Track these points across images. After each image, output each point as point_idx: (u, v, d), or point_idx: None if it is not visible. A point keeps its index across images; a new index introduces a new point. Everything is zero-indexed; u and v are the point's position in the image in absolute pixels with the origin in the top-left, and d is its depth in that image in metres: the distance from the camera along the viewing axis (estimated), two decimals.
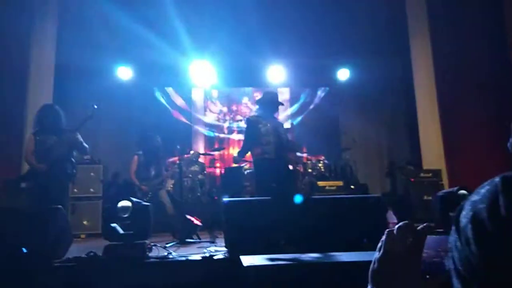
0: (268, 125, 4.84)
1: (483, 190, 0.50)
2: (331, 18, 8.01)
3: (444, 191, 4.94)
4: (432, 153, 7.26)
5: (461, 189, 4.33)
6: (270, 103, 5.01)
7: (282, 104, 5.71)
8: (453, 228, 0.52)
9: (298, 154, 8.17)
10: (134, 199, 3.86)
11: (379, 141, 9.51)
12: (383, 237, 0.71)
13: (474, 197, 0.51)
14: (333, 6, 7.82)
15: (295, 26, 8.09)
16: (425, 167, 7.16)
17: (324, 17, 8.01)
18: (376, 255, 0.71)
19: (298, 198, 3.93)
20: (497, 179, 0.50)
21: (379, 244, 0.72)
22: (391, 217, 5.43)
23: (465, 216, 0.49)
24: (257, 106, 5.18)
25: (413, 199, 6.43)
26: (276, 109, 5.12)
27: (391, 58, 8.72)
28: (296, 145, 5.29)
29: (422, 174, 6.68)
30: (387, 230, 0.71)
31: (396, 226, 0.71)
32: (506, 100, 6.75)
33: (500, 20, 6.86)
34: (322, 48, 8.47)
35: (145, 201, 4.66)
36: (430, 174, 6.65)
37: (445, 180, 6.83)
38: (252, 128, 4.89)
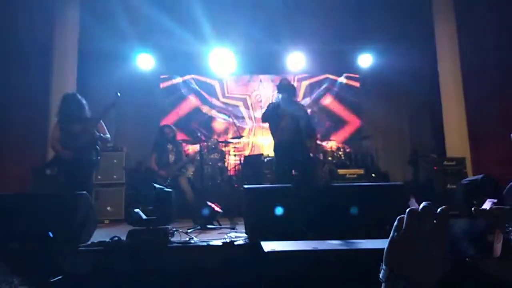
0: (287, 110, 4.95)
1: None
2: (352, 3, 7.85)
3: (468, 179, 4.83)
4: (456, 141, 7.10)
5: (486, 177, 4.22)
6: (287, 88, 5.14)
7: (296, 89, 5.80)
8: None
9: (318, 142, 8.12)
10: (155, 185, 3.91)
11: (401, 129, 9.35)
12: (404, 217, 0.70)
13: None
14: None
15: (316, 12, 7.96)
16: (448, 155, 7.02)
17: (344, 2, 7.85)
18: (393, 235, 0.70)
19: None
20: None
21: (396, 224, 0.70)
22: (414, 205, 5.35)
23: None
24: (278, 94, 5.21)
25: (436, 187, 6.32)
26: (293, 93, 5.24)
27: (414, 44, 8.50)
28: (314, 131, 5.33)
29: (445, 162, 6.54)
30: (409, 209, 0.70)
31: (422, 206, 0.69)
32: None
33: None
34: (344, 34, 8.31)
35: (166, 187, 4.73)
36: (454, 162, 6.51)
37: (469, 168, 6.69)
38: (271, 112, 5.05)
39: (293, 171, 5.13)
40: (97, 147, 4.82)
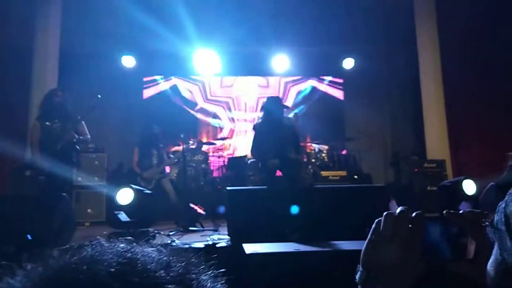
0: (271, 132, 4.81)
1: None
2: (336, 6, 7.93)
3: (447, 181, 4.92)
4: (437, 143, 7.23)
5: (466, 179, 4.30)
6: (274, 108, 4.96)
7: (287, 107, 5.66)
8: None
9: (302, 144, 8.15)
10: (136, 187, 3.87)
11: (383, 131, 9.47)
12: (382, 220, 0.70)
13: None
14: None
15: (300, 15, 8.01)
16: (429, 157, 7.13)
17: (328, 5, 7.93)
18: (371, 237, 0.70)
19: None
20: None
21: (373, 226, 0.71)
22: (394, 207, 5.42)
23: None
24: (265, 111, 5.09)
25: (417, 189, 6.41)
26: (281, 113, 5.04)
27: (397, 48, 8.63)
28: (301, 148, 5.28)
29: (426, 165, 6.65)
30: (386, 213, 0.70)
31: (398, 210, 0.70)
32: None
33: (508, 16, 6.76)
34: (327, 37, 8.38)
35: (148, 190, 4.69)
36: (434, 165, 6.62)
37: (449, 171, 6.81)
38: (257, 136, 4.98)
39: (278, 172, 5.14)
40: (77, 147, 4.75)
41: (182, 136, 6.08)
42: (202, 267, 0.47)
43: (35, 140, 4.67)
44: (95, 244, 0.46)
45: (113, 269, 0.41)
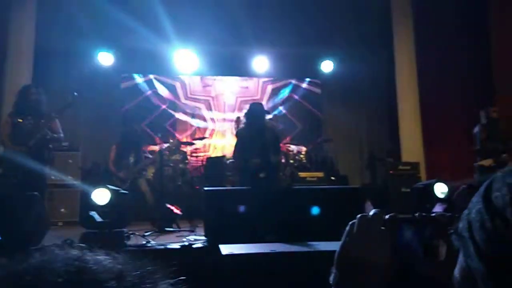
0: (254, 138, 4.99)
1: None
2: (315, 9, 8.01)
3: (421, 183, 5.04)
4: (411, 146, 7.39)
5: (437, 182, 4.41)
6: (256, 115, 5.16)
7: (268, 113, 5.86)
8: (479, 209, 0.52)
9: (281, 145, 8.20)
10: (112, 187, 3.81)
11: (360, 133, 9.61)
12: (355, 222, 0.71)
13: (509, 180, 0.50)
14: None
15: (280, 17, 8.06)
16: (404, 159, 7.28)
17: (308, 8, 8.00)
18: (345, 240, 0.71)
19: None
20: None
21: (347, 229, 0.71)
22: (369, 208, 5.51)
23: (501, 198, 0.49)
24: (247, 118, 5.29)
25: (392, 191, 6.53)
26: (262, 120, 5.25)
27: (374, 52, 8.78)
28: (280, 151, 5.47)
29: (401, 167, 6.78)
30: (360, 215, 0.71)
31: (372, 212, 0.71)
32: (484, 96, 6.90)
33: (482, 19, 6.98)
34: (307, 40, 8.45)
35: (123, 189, 4.62)
36: (409, 167, 6.76)
37: (422, 173, 6.97)
38: (240, 141, 5.16)
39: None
40: (50, 145, 4.63)
41: (159, 135, 6.02)
42: (159, 275, 0.45)
43: (5, 136, 4.54)
44: (45, 251, 0.44)
45: (60, 279, 0.38)
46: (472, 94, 7.12)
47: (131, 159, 5.92)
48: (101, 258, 0.43)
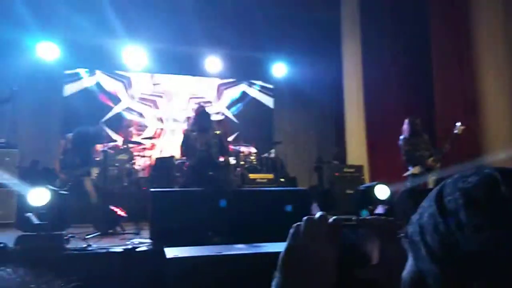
0: (200, 139, 5.16)
1: (471, 179, 0.51)
2: (267, 14, 8.10)
3: (363, 185, 5.23)
4: (356, 149, 7.68)
5: (378, 185, 4.61)
6: (202, 117, 5.31)
7: (212, 116, 5.97)
8: (432, 213, 0.53)
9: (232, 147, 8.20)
10: (51, 187, 3.61)
11: (309, 136, 9.83)
12: (301, 224, 0.69)
13: (461, 184, 0.52)
14: (271, 2, 7.92)
15: (233, 19, 8.07)
16: (349, 162, 7.55)
17: (260, 13, 8.07)
18: (289, 243, 0.69)
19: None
20: (487, 170, 0.51)
21: (291, 231, 0.70)
22: (316, 209, 5.65)
23: (454, 202, 0.50)
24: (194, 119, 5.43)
25: (337, 192, 6.73)
26: (208, 122, 5.39)
27: (324, 58, 9.02)
28: (226, 154, 5.59)
29: (345, 169, 7.02)
30: (305, 217, 0.70)
31: (317, 215, 0.70)
32: (424, 105, 7.32)
33: (423, 30, 7.39)
34: (260, 43, 8.54)
35: (65, 190, 4.40)
36: (353, 170, 7.02)
37: (366, 175, 7.26)
38: (186, 142, 5.28)
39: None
40: None
41: (104, 134, 5.77)
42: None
43: None
44: None
45: None
46: (414, 101, 7.52)
47: (77, 160, 5.64)
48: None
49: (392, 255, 0.68)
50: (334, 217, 0.70)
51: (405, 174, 5.40)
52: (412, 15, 7.70)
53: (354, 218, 0.77)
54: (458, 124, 5.20)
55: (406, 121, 5.53)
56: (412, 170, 5.34)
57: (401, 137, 5.53)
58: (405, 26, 7.76)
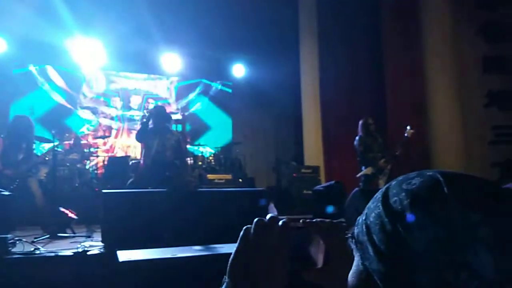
0: (155, 140, 5.09)
1: (414, 181, 0.53)
2: (226, 14, 8.08)
3: (320, 186, 5.34)
4: (313, 150, 7.83)
5: (335, 184, 4.72)
6: (159, 117, 5.22)
7: (170, 117, 5.86)
8: (378, 213, 0.53)
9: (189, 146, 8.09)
10: None
11: (268, 137, 9.90)
12: (251, 227, 0.67)
13: (406, 186, 0.53)
14: (229, 1, 7.92)
15: (191, 18, 7.98)
16: (306, 163, 7.68)
17: (218, 12, 8.04)
18: (239, 245, 0.66)
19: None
20: (429, 173, 0.53)
21: (242, 234, 0.68)
22: (273, 209, 5.69)
23: (399, 202, 0.51)
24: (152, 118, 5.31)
25: (294, 193, 6.83)
26: (164, 122, 5.31)
27: (282, 59, 9.13)
28: (183, 155, 5.54)
29: (303, 170, 7.15)
30: (256, 219, 0.67)
31: (267, 217, 0.68)
32: (378, 106, 7.59)
33: (377, 33, 7.67)
34: (218, 42, 8.49)
35: (10, 190, 4.16)
36: (310, 170, 7.15)
37: (322, 176, 7.42)
38: (144, 132, 5.20)
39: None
40: None
41: (53, 132, 5.47)
42: None
43: None
44: None
45: None
46: (368, 103, 7.78)
47: (20, 155, 5.29)
48: None
49: (338, 257, 0.68)
50: (283, 219, 0.68)
51: (358, 175, 5.57)
52: (367, 18, 7.98)
53: (301, 220, 0.77)
54: (408, 127, 5.43)
55: (361, 121, 5.71)
56: (364, 170, 5.52)
57: (357, 137, 5.70)
58: (360, 29, 8.02)
